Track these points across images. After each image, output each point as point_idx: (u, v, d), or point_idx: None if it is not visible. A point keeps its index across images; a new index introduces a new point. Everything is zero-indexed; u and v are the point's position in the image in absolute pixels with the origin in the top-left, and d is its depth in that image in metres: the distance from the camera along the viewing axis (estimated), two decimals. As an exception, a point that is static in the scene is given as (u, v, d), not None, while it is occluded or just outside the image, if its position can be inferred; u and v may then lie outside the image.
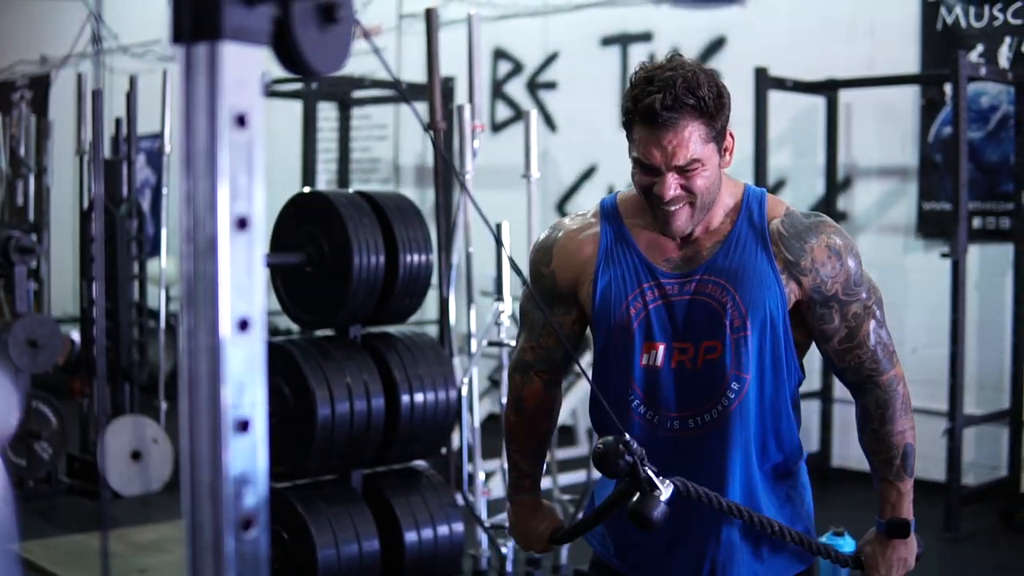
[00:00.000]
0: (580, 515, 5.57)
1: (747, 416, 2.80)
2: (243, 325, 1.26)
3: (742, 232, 2.81)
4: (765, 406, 2.83)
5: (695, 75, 2.64)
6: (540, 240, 3.06)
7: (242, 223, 1.26)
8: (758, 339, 2.78)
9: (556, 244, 2.99)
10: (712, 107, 2.65)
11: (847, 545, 4.36)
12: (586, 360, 9.01)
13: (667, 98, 2.61)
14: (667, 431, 2.85)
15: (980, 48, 8.17)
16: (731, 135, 2.76)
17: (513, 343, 5.44)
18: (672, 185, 2.69)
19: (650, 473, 2.53)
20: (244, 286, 1.26)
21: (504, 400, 6.01)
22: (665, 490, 2.54)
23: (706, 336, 2.80)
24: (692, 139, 2.65)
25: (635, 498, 2.55)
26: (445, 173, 7.57)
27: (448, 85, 9.94)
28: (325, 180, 11.80)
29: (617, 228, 2.90)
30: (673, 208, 2.72)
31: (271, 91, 9.98)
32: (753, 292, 2.77)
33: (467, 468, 5.83)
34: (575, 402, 9.16)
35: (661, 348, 2.83)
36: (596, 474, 5.54)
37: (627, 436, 2.53)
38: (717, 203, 2.81)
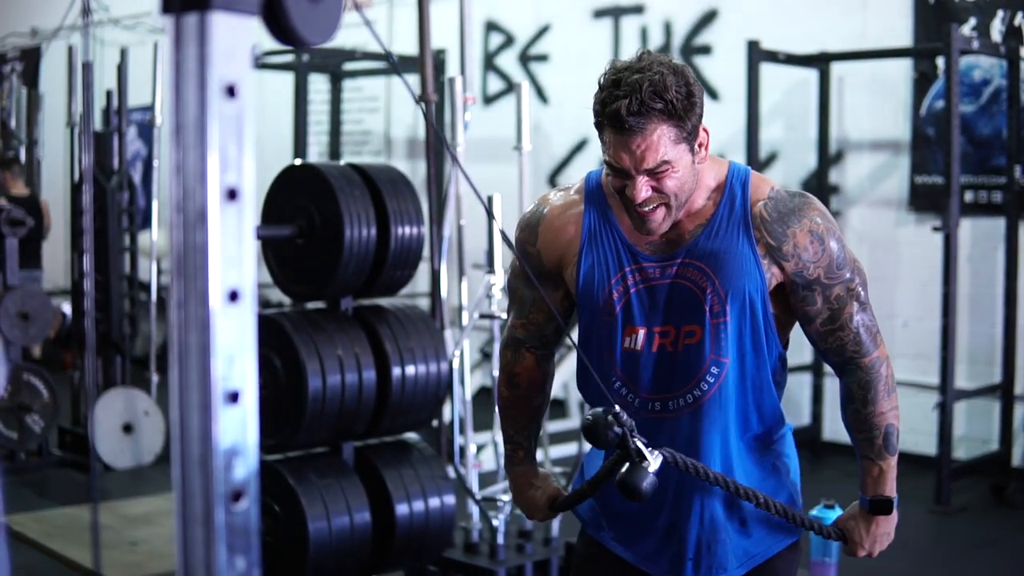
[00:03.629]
0: (570, 487, 5.57)
1: (727, 398, 2.82)
2: (233, 296, 1.26)
3: (724, 215, 2.80)
4: (747, 385, 2.85)
5: (662, 77, 2.59)
6: (525, 217, 3.05)
7: (232, 194, 1.26)
8: (737, 323, 2.80)
9: (541, 223, 2.98)
10: (681, 109, 2.62)
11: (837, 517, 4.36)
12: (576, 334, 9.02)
13: (633, 104, 2.59)
14: (648, 412, 2.86)
15: (973, 21, 8.16)
16: (705, 131, 2.73)
17: (504, 315, 5.45)
18: (643, 188, 2.69)
19: (639, 444, 2.56)
20: (234, 257, 1.26)
21: (496, 373, 6.01)
22: (654, 461, 2.56)
23: (686, 320, 2.81)
24: (661, 142, 2.63)
25: (624, 468, 2.57)
26: (437, 146, 7.56)
27: (440, 57, 9.92)
28: (316, 153, 11.79)
29: (601, 209, 2.89)
30: (646, 209, 2.72)
31: (262, 63, 9.97)
32: (733, 277, 2.77)
33: (458, 441, 5.83)
34: (566, 375, 9.17)
35: (642, 332, 2.84)
36: (587, 447, 5.55)
37: (616, 408, 2.55)
38: (699, 186, 2.79)
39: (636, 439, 2.56)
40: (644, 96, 2.58)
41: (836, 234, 2.82)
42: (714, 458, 2.85)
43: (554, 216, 2.97)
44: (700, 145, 2.73)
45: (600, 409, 2.56)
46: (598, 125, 2.71)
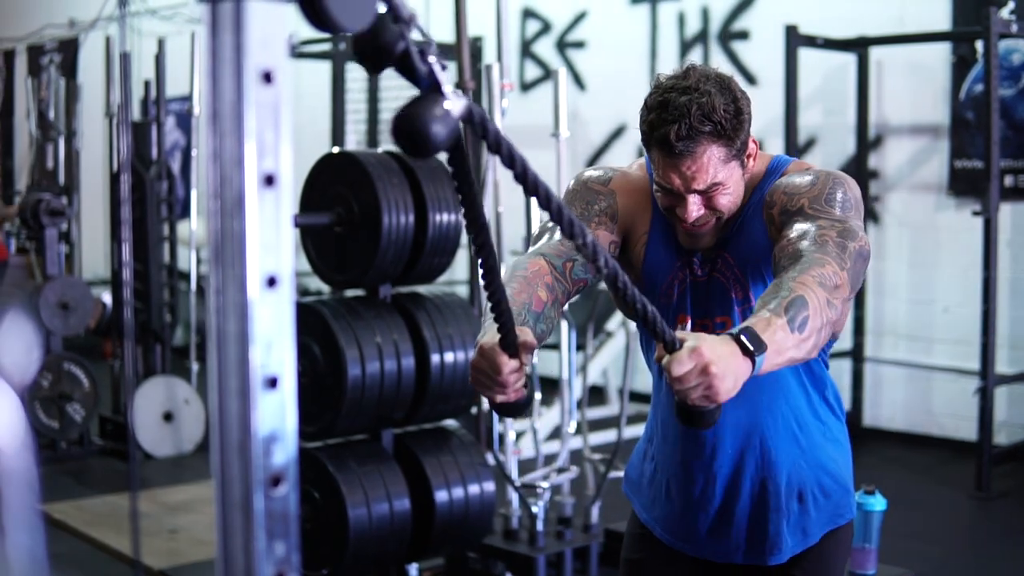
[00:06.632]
0: (610, 475, 5.58)
1: (767, 379, 2.76)
2: (271, 282, 1.26)
3: (753, 204, 2.77)
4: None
5: (710, 99, 2.55)
6: (594, 168, 2.96)
7: (269, 180, 1.26)
8: None
9: (618, 173, 2.92)
10: (730, 128, 2.58)
11: (878, 504, 4.35)
12: (617, 320, 9.01)
13: (682, 128, 2.54)
14: None
15: (1011, 5, 8.10)
16: (754, 142, 2.69)
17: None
18: (694, 208, 2.65)
19: (435, 67, 1.68)
20: (272, 243, 1.26)
21: (535, 360, 6.00)
22: (456, 101, 1.66)
23: (719, 311, 2.80)
24: (711, 164, 2.59)
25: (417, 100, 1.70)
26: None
27: (476, 45, 9.91)
28: (355, 141, 11.80)
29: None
30: (697, 225, 2.70)
31: (300, 52, 9.98)
32: (750, 261, 2.75)
33: (497, 427, 5.84)
34: (606, 362, 9.16)
35: (689, 322, 2.84)
36: (627, 433, 5.54)
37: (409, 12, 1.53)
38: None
39: (433, 58, 1.68)
40: (693, 120, 2.54)
41: (839, 181, 2.66)
42: (769, 441, 2.84)
43: (632, 177, 2.92)
44: (749, 156, 2.69)
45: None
46: (646, 144, 2.66)
